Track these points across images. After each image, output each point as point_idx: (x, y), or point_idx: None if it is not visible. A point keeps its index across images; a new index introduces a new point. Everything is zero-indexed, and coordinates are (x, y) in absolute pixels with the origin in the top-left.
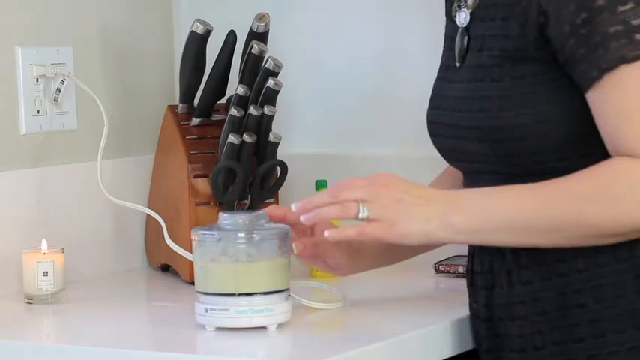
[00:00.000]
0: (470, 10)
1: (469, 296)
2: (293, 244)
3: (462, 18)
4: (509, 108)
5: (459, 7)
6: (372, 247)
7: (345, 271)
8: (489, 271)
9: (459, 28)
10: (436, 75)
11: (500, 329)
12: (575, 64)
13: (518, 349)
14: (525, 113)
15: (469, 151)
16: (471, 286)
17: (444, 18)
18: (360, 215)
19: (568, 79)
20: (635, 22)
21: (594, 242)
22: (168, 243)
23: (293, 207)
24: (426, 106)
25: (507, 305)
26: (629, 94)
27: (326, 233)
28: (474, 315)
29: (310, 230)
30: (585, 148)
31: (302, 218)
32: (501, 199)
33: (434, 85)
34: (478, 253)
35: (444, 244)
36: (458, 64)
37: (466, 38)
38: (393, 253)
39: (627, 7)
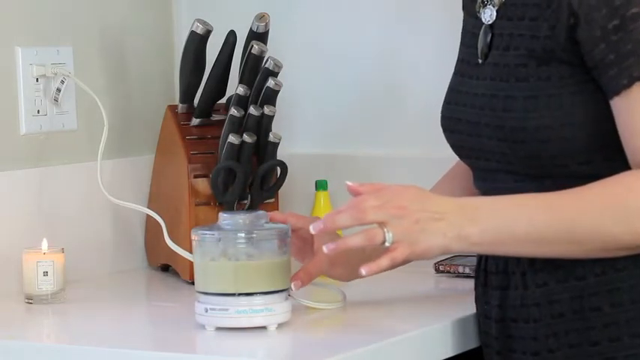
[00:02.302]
0: (496, 8)
1: (479, 296)
2: (292, 283)
3: (488, 15)
4: (533, 109)
5: (484, 3)
6: (370, 258)
7: (344, 279)
8: (504, 271)
9: (482, 24)
10: (453, 70)
11: (513, 331)
12: (604, 69)
13: (531, 352)
14: (550, 115)
15: (486, 149)
16: (484, 286)
17: (445, 18)
18: (387, 243)
19: (594, 83)
20: None
21: (612, 255)
22: (168, 243)
23: (312, 228)
24: (426, 106)
25: (521, 307)
26: None
27: (363, 272)
28: (483, 315)
29: (310, 236)
30: (608, 153)
31: (325, 250)
32: (518, 211)
33: (451, 80)
34: None
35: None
36: (480, 61)
37: (489, 35)
38: None
39: None
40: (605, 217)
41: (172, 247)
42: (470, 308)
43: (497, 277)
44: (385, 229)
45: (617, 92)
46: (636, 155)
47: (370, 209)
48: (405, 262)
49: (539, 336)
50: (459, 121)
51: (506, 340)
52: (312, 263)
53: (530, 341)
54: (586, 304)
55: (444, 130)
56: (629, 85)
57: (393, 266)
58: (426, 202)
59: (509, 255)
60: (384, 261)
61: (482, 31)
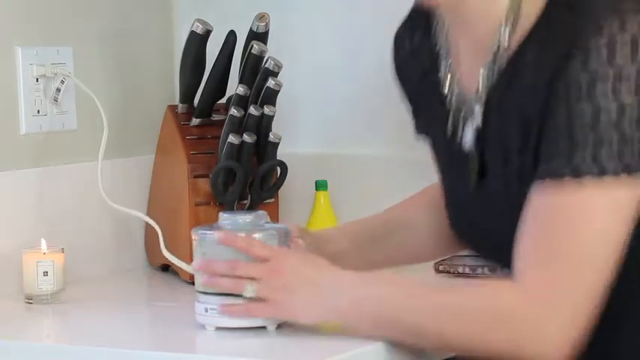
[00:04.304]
0: (476, 130)
1: None
2: None
3: (468, 138)
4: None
5: (461, 125)
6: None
7: None
8: None
9: (459, 148)
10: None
11: None
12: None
13: None
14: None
15: None
16: None
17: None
18: (245, 294)
19: None
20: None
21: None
22: (163, 253)
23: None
24: None
25: None
26: (534, 210)
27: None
28: None
29: None
30: None
31: (202, 280)
32: (382, 291)
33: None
34: None
35: None
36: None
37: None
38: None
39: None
40: (425, 315)
41: (168, 257)
42: None
43: None
44: (248, 283)
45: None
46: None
47: (244, 265)
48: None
49: None
50: None
51: None
52: None
53: None
54: None
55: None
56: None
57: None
58: (304, 270)
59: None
60: (241, 309)
61: (466, 159)
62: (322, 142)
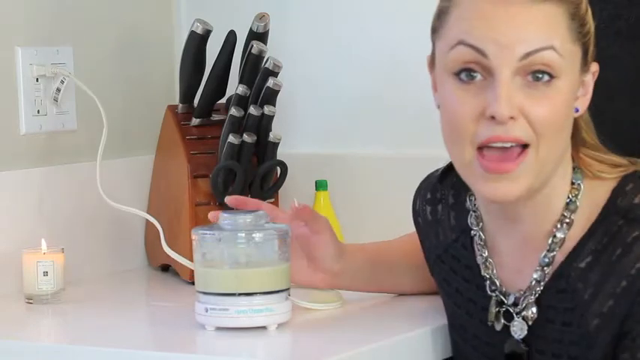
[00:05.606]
0: (530, 323)
1: None
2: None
3: (518, 329)
4: None
5: (506, 314)
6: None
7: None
8: None
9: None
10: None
11: None
12: None
13: None
14: None
15: None
16: None
17: None
18: None
19: None
20: None
21: None
22: (165, 249)
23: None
24: (426, 106)
25: None
26: None
27: None
28: None
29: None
30: None
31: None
32: None
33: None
34: None
35: None
36: None
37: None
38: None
39: None
40: None
41: (169, 253)
42: None
43: None
44: None
45: None
46: None
47: None
48: None
49: None
50: None
51: None
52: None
53: None
54: None
55: None
56: None
57: None
58: None
59: None
60: None
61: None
62: (322, 142)
